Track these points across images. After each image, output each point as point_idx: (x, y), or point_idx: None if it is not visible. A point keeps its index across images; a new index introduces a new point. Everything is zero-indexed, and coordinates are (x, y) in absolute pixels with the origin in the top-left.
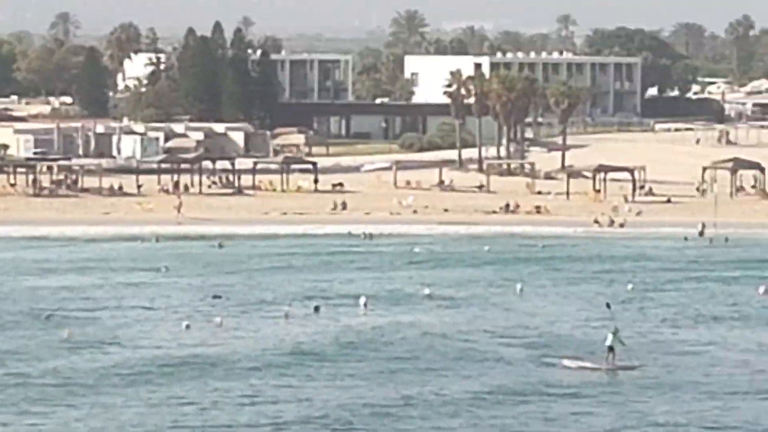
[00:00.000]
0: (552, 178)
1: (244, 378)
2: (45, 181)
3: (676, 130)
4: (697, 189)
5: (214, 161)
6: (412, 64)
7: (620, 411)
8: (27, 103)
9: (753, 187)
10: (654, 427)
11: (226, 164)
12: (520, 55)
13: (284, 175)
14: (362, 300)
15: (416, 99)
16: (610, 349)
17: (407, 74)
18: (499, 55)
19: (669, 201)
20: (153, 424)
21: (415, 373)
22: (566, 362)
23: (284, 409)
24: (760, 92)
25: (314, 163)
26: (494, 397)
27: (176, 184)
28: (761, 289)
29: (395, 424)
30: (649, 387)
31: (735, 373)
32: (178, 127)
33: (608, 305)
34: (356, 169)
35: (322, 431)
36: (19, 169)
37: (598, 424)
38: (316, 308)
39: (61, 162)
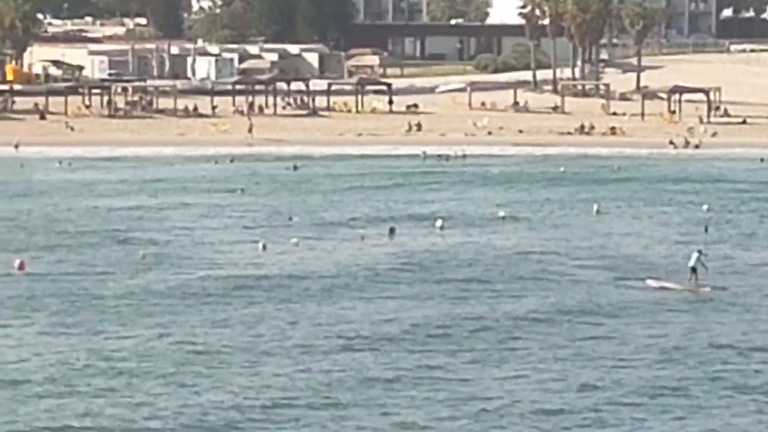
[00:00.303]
0: (627, 99)
1: (319, 298)
2: (120, 102)
3: (752, 51)
4: None
5: (288, 83)
6: None
7: (695, 331)
8: (102, 25)
9: None
10: (726, 348)
11: (301, 85)
12: None
13: (359, 97)
14: (438, 222)
15: (491, 20)
16: (693, 270)
17: None
18: None
19: (744, 122)
20: (228, 342)
21: (490, 293)
22: (650, 282)
23: (358, 328)
24: None
25: (389, 85)
26: (569, 316)
27: (251, 106)
28: None
29: (467, 341)
30: (727, 309)
31: None
32: (253, 49)
33: (706, 229)
34: (431, 90)
35: (395, 348)
36: (94, 91)
37: (671, 345)
38: (392, 230)
39: (136, 83)
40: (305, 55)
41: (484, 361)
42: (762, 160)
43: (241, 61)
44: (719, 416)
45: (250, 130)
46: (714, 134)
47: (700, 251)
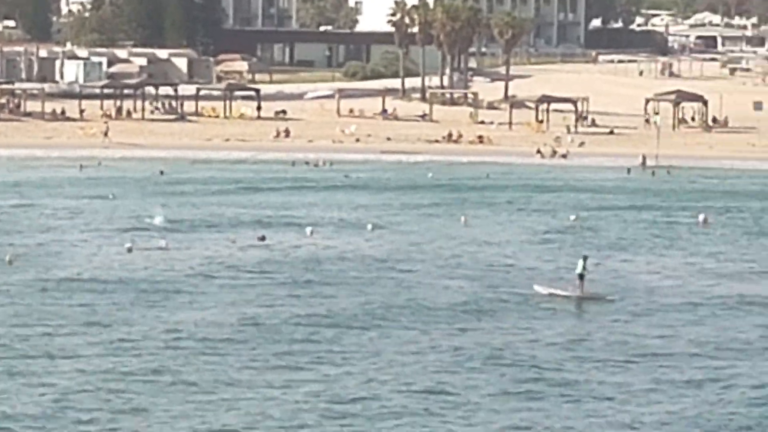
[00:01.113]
0: (495, 108)
1: (163, 300)
2: None
3: (620, 61)
4: (646, 121)
5: (156, 87)
6: None
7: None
8: None
9: (693, 119)
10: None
11: (169, 90)
12: None
13: (227, 102)
14: (308, 229)
15: (360, 27)
16: (581, 276)
17: (351, 2)
18: None
19: (612, 132)
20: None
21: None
22: (537, 288)
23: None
24: (703, 25)
25: (257, 90)
26: (395, 317)
27: (119, 110)
28: (700, 218)
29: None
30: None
31: (676, 297)
32: (121, 53)
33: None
34: (299, 96)
35: (253, 342)
36: None
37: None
38: (262, 237)
39: (4, 86)
40: (174, 59)
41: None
42: (629, 170)
43: (109, 65)
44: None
45: (105, 134)
46: (581, 144)
47: (585, 257)
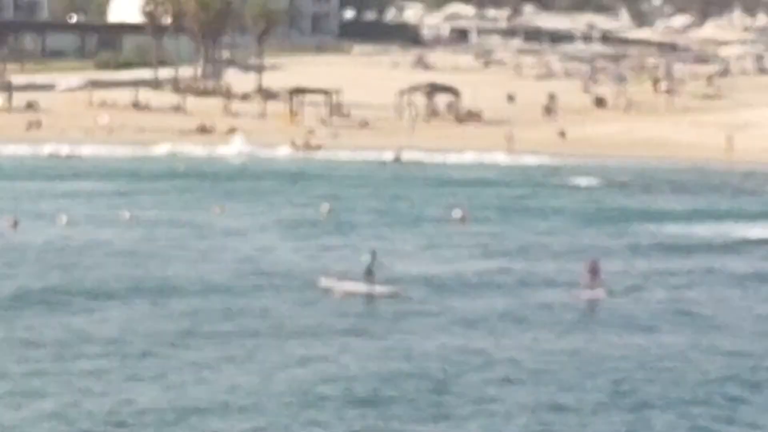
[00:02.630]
0: (247, 97)
1: None
2: None
3: (374, 52)
4: (402, 112)
5: None
6: None
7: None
8: None
9: (447, 112)
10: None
11: None
12: None
13: None
14: (63, 218)
15: (112, 18)
16: (369, 272)
17: None
18: None
19: (366, 124)
20: None
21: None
22: (323, 279)
23: None
24: (456, 17)
25: (9, 82)
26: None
27: None
28: (456, 213)
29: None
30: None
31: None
32: None
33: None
34: (50, 87)
35: None
36: None
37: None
38: (15, 223)
39: None
40: None
41: None
42: (384, 162)
43: None
44: None
45: None
46: (335, 135)
47: (374, 252)
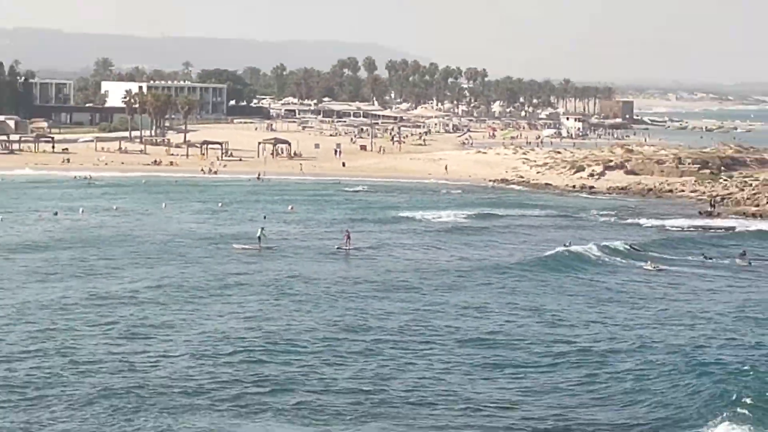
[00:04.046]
0: (179, 146)
1: None
2: None
3: (245, 122)
4: (263, 154)
5: None
6: (105, 85)
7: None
8: None
9: (284, 154)
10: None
11: (4, 137)
12: (163, 82)
13: (36, 144)
14: (81, 210)
15: (109, 104)
16: (259, 238)
17: (103, 90)
18: (151, 82)
19: (240, 159)
20: None
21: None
22: (235, 245)
23: None
24: (288, 104)
25: (52, 137)
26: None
27: None
28: (289, 207)
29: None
30: (283, 254)
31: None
32: None
33: (261, 231)
34: (75, 141)
35: None
36: None
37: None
38: (56, 213)
39: None
40: (7, 121)
41: None
42: (249, 179)
43: None
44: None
45: None
46: (224, 165)
47: (262, 228)
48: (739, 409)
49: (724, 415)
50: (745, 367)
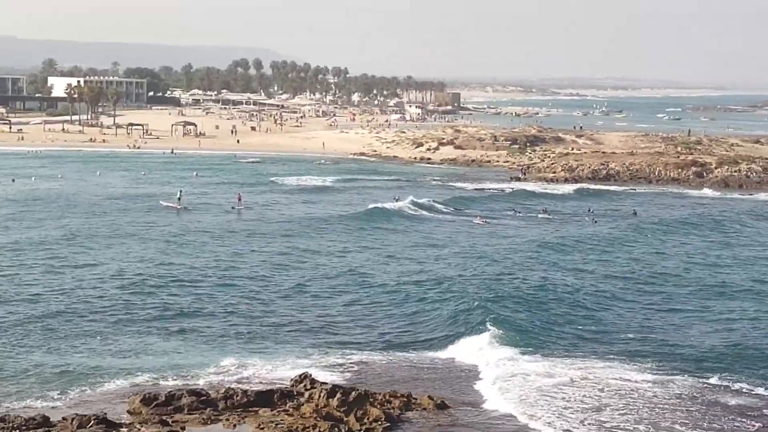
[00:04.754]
0: (109, 127)
1: None
2: None
3: (161, 109)
4: (198, 135)
5: None
6: (51, 80)
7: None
8: None
9: (191, 133)
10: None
11: None
12: (96, 78)
13: None
14: (32, 177)
15: (54, 94)
16: (179, 199)
17: (49, 84)
18: (87, 77)
19: (158, 138)
20: None
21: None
22: (162, 202)
23: None
24: (195, 94)
25: (9, 120)
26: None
27: None
28: (195, 174)
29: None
30: (192, 211)
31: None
32: None
33: (180, 193)
34: (28, 123)
35: None
36: None
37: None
38: (14, 180)
39: None
40: None
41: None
42: (164, 153)
43: None
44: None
45: None
46: (145, 142)
47: (181, 191)
48: (482, 327)
49: (469, 332)
50: (497, 295)
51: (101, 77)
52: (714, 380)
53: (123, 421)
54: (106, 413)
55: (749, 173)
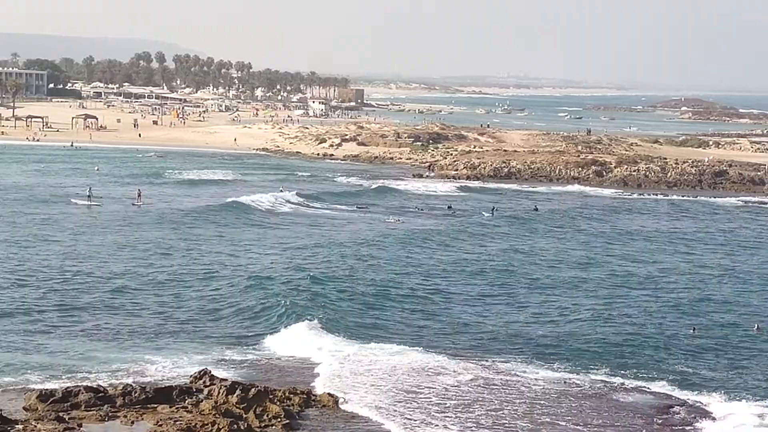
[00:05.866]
0: (8, 119)
1: None
2: None
3: (62, 101)
4: (99, 128)
5: None
6: None
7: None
8: None
9: (92, 127)
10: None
11: None
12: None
13: None
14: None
15: None
16: (89, 196)
17: None
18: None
19: (58, 131)
20: None
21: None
22: (73, 199)
23: None
24: (96, 87)
25: None
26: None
27: None
28: (96, 169)
29: None
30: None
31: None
32: None
33: (90, 191)
34: None
35: None
36: None
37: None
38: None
39: None
40: None
41: None
42: (65, 147)
43: None
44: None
45: None
46: (45, 135)
47: (90, 187)
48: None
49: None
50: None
51: (0, 68)
52: (504, 364)
53: (18, 418)
54: (1, 410)
55: (647, 173)
